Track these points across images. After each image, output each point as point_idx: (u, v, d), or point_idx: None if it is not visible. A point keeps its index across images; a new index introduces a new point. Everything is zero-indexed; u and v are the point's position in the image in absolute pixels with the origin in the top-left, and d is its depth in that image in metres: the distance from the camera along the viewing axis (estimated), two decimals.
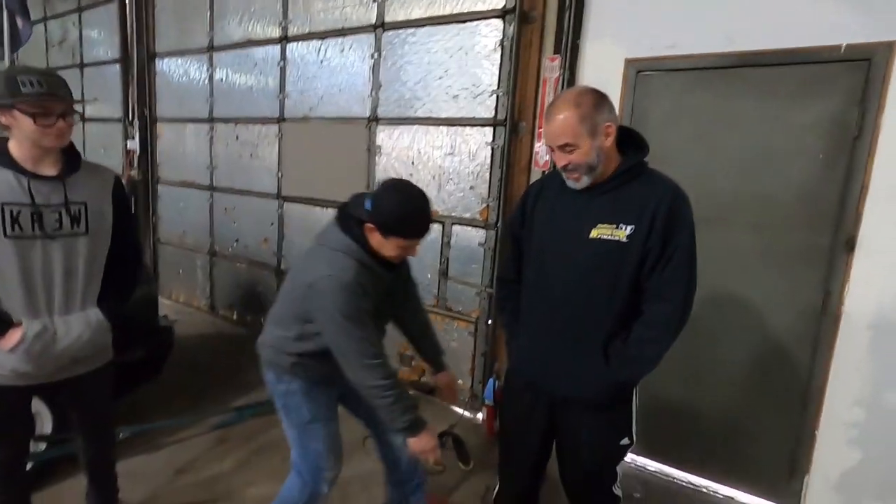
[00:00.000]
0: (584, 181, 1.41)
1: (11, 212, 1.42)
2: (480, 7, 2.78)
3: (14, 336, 1.46)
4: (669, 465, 2.56)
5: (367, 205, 1.47)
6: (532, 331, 1.58)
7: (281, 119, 3.72)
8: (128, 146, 4.69)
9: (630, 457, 2.03)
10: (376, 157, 3.27)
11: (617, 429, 1.52)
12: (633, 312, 1.44)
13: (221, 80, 4.10)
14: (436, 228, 3.07)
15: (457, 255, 3.04)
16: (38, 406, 2.05)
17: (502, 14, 2.71)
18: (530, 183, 1.66)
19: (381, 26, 3.16)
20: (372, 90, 3.24)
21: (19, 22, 3.81)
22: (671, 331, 1.40)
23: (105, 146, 4.97)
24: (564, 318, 1.48)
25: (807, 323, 2.23)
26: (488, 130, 2.84)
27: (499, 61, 2.75)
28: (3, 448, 1.63)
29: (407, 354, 3.24)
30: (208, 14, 4.07)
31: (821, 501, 2.26)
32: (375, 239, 1.50)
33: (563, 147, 1.38)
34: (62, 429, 2.06)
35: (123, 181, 4.58)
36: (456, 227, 3.01)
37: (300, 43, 3.57)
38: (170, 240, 4.75)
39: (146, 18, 4.50)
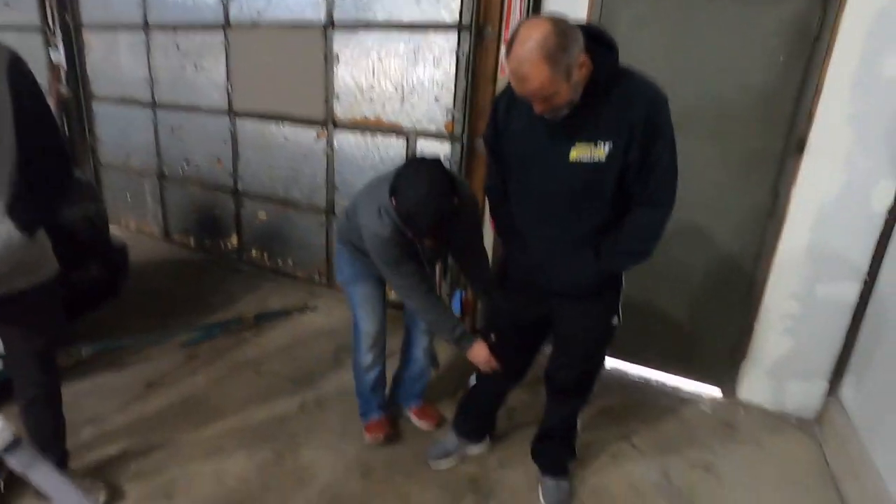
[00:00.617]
0: (564, 113, 1.36)
1: None
2: None
3: None
4: (623, 361, 2.78)
5: (391, 188, 1.62)
6: (523, 240, 1.62)
7: (226, 25, 3.41)
8: (52, 59, 4.21)
9: None
10: (334, 67, 3.08)
11: (608, 310, 1.63)
12: (621, 211, 1.47)
13: None
14: (400, 144, 2.99)
15: None
16: None
17: None
18: (497, 94, 1.60)
19: None
20: None
21: None
22: (662, 228, 1.46)
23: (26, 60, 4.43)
24: (552, 229, 1.53)
25: (755, 224, 2.37)
26: (452, 36, 2.70)
27: None
28: None
29: None
30: None
31: (753, 384, 2.53)
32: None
33: (540, 98, 1.31)
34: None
35: (51, 100, 4.19)
36: (421, 141, 2.93)
37: None
38: (112, 163, 4.42)
39: None
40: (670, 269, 2.53)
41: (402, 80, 2.91)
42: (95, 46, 4.17)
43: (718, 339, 2.57)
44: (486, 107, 2.66)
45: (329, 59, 3.09)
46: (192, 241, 4.15)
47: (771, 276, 2.36)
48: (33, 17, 4.15)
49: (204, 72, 3.63)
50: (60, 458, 1.73)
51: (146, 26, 3.79)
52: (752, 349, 2.49)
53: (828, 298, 2.28)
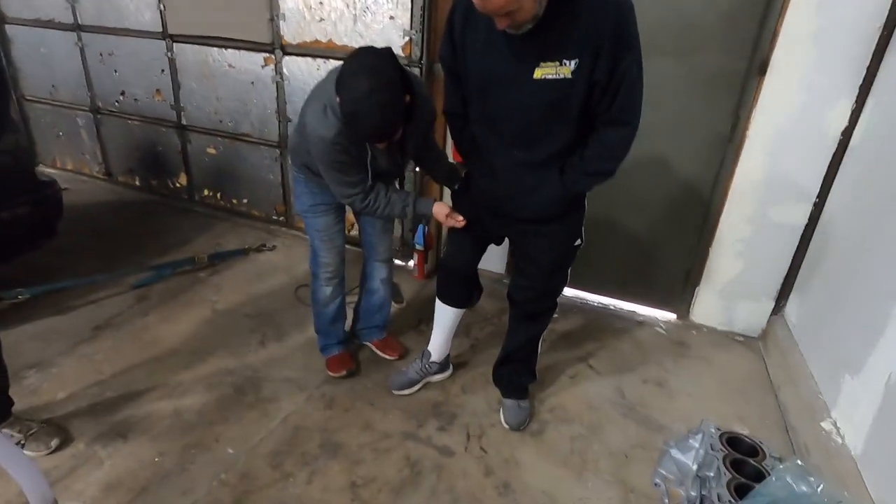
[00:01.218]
0: (527, 28, 1.27)
1: None
2: None
3: None
4: (582, 290, 2.84)
5: (337, 82, 1.45)
6: (487, 167, 1.57)
7: None
8: None
9: None
10: None
11: (571, 232, 1.64)
12: (586, 132, 1.44)
13: None
14: None
15: None
16: None
17: None
18: (451, 8, 1.46)
19: None
20: None
21: None
22: (627, 147, 1.44)
23: None
24: (517, 153, 1.49)
25: (714, 149, 2.37)
26: None
27: None
28: None
29: None
30: None
31: (706, 306, 2.63)
32: None
33: (503, 14, 1.20)
34: None
35: None
36: None
37: None
38: (37, 96, 4.01)
39: None
40: (630, 197, 2.54)
41: None
42: None
43: (675, 266, 2.64)
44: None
45: None
46: (137, 181, 3.89)
47: (727, 202, 2.40)
48: None
49: None
50: (2, 405, 1.65)
51: None
52: (706, 273, 2.57)
53: (779, 221, 2.34)
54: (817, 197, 2.24)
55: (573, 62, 1.29)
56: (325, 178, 1.68)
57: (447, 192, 2.40)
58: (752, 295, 2.52)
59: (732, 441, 1.48)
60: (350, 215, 2.05)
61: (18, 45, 3.90)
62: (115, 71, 3.57)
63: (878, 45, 1.96)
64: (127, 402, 1.89)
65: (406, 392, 2.03)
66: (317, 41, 2.83)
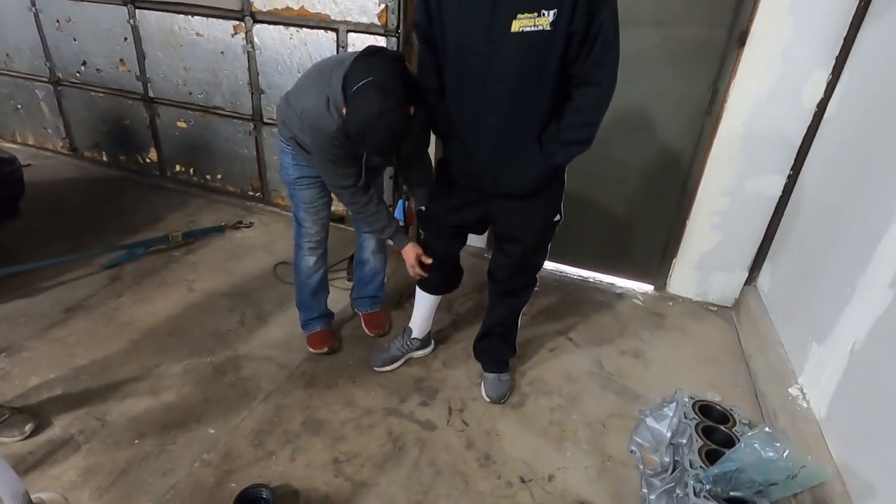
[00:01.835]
0: None
1: None
2: None
3: None
4: (562, 264, 2.87)
5: (345, 84, 1.47)
6: (465, 139, 1.55)
7: None
8: None
9: None
10: None
11: (551, 208, 1.64)
12: (563, 97, 1.43)
13: None
14: (329, 38, 2.69)
15: None
16: None
17: None
18: None
19: None
20: None
21: None
22: (602, 111, 1.43)
23: None
24: (495, 119, 1.46)
25: (693, 122, 2.37)
26: None
27: None
28: None
29: None
30: None
31: (682, 278, 2.68)
32: None
33: None
34: None
35: None
36: (352, 35, 2.65)
37: None
38: None
39: None
40: (609, 171, 2.54)
41: None
42: None
43: (653, 239, 2.67)
44: None
45: None
46: (104, 156, 3.74)
47: (704, 175, 2.42)
48: None
49: None
50: None
51: None
52: (682, 246, 2.61)
53: (754, 193, 2.37)
54: (791, 169, 2.27)
55: (552, 12, 1.28)
56: (316, 167, 1.71)
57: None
58: (726, 266, 2.58)
59: (704, 409, 1.54)
60: None
61: None
62: (75, 39, 3.38)
63: (854, 16, 1.96)
64: (103, 386, 1.85)
65: (388, 368, 2.04)
66: (288, 8, 2.71)
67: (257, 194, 3.33)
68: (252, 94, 3.01)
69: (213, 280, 2.53)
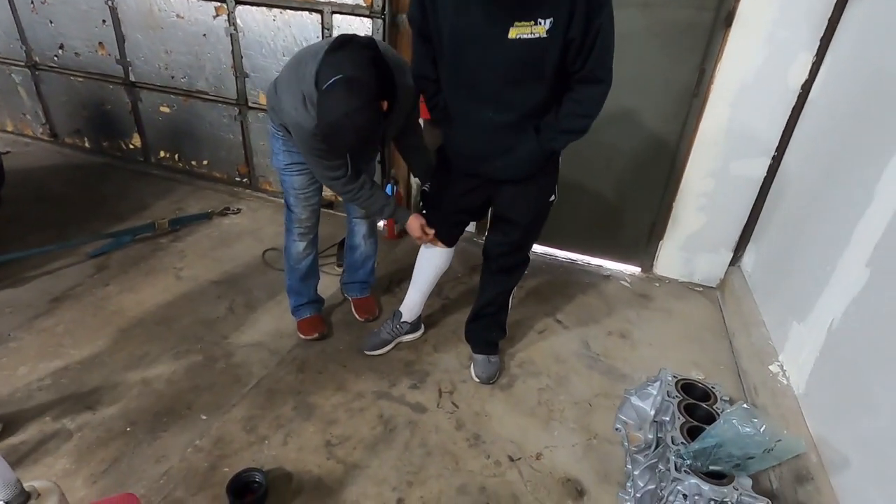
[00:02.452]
0: None
1: None
2: None
3: None
4: (551, 247, 2.89)
5: (317, 80, 1.45)
6: (461, 130, 1.57)
7: None
8: None
9: None
10: None
11: (546, 189, 1.68)
12: (560, 91, 1.45)
13: None
14: (314, 20, 2.64)
15: None
16: None
17: None
18: None
19: None
20: None
21: None
22: (601, 105, 1.46)
23: None
24: (491, 115, 1.48)
25: (680, 103, 2.37)
26: None
27: None
28: None
29: None
30: None
31: (668, 259, 2.72)
32: None
33: None
34: None
35: None
36: (337, 17, 2.60)
37: None
38: None
39: None
40: (597, 154, 2.54)
41: None
42: None
43: (640, 221, 2.69)
44: None
45: None
46: (86, 142, 3.68)
47: (691, 156, 2.43)
48: None
49: None
50: None
51: None
52: (669, 227, 2.63)
53: (739, 175, 2.39)
54: (776, 150, 2.29)
55: (548, 21, 1.29)
56: (305, 161, 1.71)
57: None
58: (711, 247, 2.61)
59: (687, 387, 1.58)
60: None
61: None
62: (51, 21, 3.28)
63: None
64: (93, 374, 1.86)
65: (378, 352, 2.06)
66: None
67: (244, 180, 3.30)
68: (236, 77, 2.96)
69: (201, 267, 2.52)
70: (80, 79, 3.40)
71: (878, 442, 1.28)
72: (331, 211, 3.07)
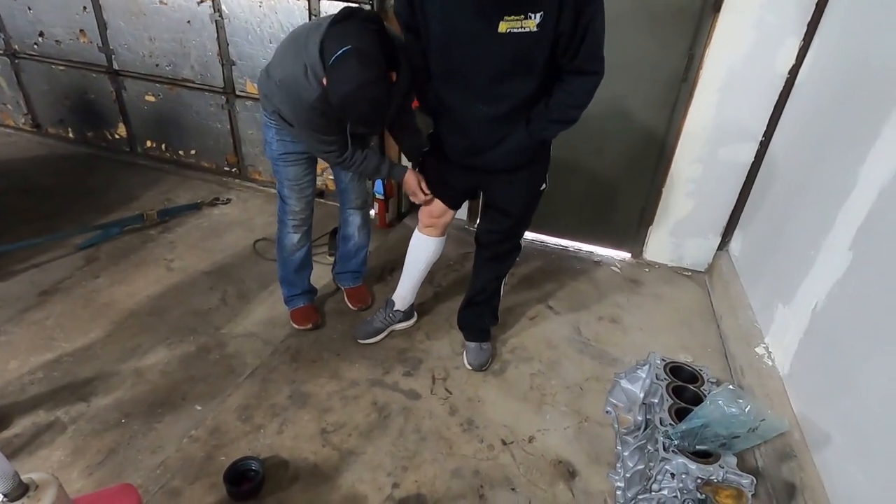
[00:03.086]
0: None
1: None
2: None
3: None
4: (542, 233, 2.91)
5: (322, 50, 1.41)
6: (453, 123, 1.57)
7: None
8: None
9: None
10: None
11: (537, 177, 1.69)
12: (550, 83, 1.45)
13: None
14: (300, 6, 2.60)
15: None
16: None
17: None
18: None
19: None
20: None
21: None
22: (592, 96, 1.47)
23: None
24: (482, 107, 1.48)
25: (669, 89, 2.38)
26: None
27: None
28: None
29: None
30: None
31: (658, 244, 2.75)
32: None
33: None
34: None
35: None
36: (324, 2, 2.57)
37: None
38: None
39: None
40: (588, 140, 2.55)
41: None
42: None
43: (630, 207, 2.71)
44: None
45: None
46: (70, 133, 3.61)
47: (680, 142, 2.45)
48: None
49: None
50: None
51: None
52: (658, 213, 2.66)
53: (727, 160, 2.41)
54: (763, 135, 2.31)
55: (538, 15, 1.28)
56: (299, 134, 1.67)
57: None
58: (700, 232, 2.64)
59: (675, 370, 1.61)
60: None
61: None
62: (29, 8, 3.20)
63: None
64: (85, 367, 1.85)
65: (371, 341, 2.07)
66: None
67: (233, 169, 3.26)
68: (223, 65, 2.91)
69: (192, 258, 2.51)
70: (62, 67, 3.33)
71: (858, 420, 1.32)
72: (322, 200, 3.05)
